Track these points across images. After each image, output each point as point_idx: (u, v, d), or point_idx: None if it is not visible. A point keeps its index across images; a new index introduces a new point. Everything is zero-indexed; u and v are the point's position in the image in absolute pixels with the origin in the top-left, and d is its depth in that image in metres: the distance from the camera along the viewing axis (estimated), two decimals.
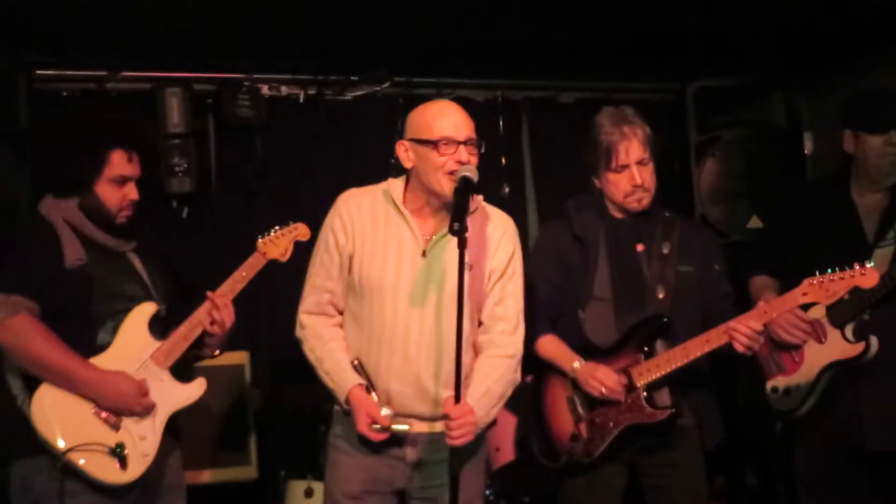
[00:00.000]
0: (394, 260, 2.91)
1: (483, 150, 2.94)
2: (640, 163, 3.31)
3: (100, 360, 3.05)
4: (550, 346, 3.37)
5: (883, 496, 3.37)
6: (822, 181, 3.83)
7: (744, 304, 3.43)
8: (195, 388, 3.20)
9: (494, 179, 4.96)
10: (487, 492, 4.11)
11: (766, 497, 4.31)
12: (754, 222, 4.65)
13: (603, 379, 3.24)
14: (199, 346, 3.27)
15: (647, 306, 3.31)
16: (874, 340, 3.26)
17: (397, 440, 2.91)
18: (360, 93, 4.95)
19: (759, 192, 4.71)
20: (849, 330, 3.31)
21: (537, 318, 3.36)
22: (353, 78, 4.91)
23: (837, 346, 3.32)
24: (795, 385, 3.41)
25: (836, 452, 3.35)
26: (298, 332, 3.04)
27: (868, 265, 3.03)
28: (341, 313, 3.02)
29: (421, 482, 2.95)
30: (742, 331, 3.09)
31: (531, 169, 5.22)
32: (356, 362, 2.93)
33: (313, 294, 3.02)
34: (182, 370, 3.21)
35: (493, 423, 3.86)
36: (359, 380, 2.90)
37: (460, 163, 2.84)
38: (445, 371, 2.86)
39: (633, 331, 3.30)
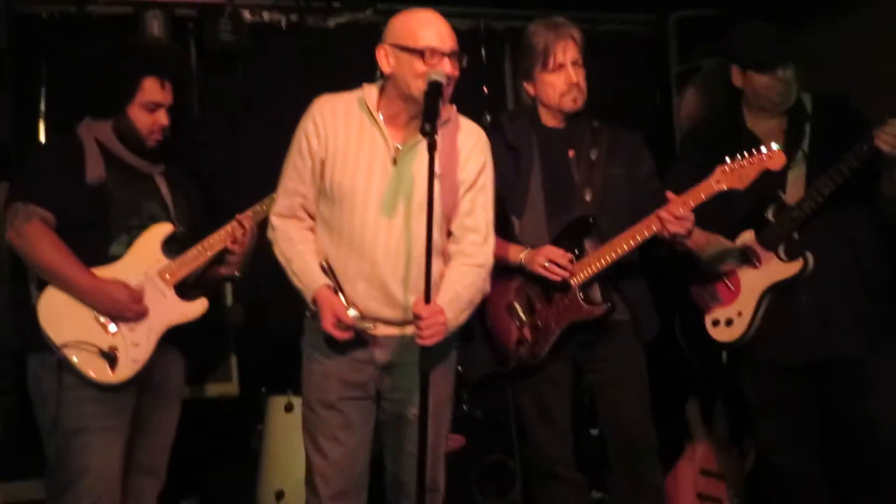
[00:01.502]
0: (365, 166, 2.92)
1: (465, 65, 2.93)
2: (574, 63, 3.41)
3: (107, 270, 3.26)
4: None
5: (823, 408, 3.43)
6: (715, 117, 3.87)
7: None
8: (195, 307, 3.38)
9: (476, 108, 4.97)
10: (465, 406, 4.21)
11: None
12: None
13: (548, 254, 3.33)
14: (218, 266, 3.47)
15: (577, 210, 3.40)
16: (810, 256, 3.32)
17: (363, 342, 2.96)
18: (342, 20, 4.94)
19: None
20: (782, 251, 3.36)
21: None
22: (335, 5, 4.89)
23: (774, 268, 3.37)
24: (737, 313, 3.45)
25: (783, 372, 3.41)
26: (269, 234, 3.07)
27: (774, 147, 3.12)
28: (313, 217, 3.04)
29: (391, 384, 3.00)
30: (666, 216, 3.17)
31: (513, 98, 5.23)
32: (324, 264, 2.96)
33: (285, 197, 3.04)
34: (188, 290, 3.39)
35: (469, 334, 3.94)
36: (326, 280, 2.93)
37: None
38: (413, 277, 2.89)
39: (562, 233, 3.39)
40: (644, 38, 5.18)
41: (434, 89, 2.80)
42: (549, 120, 3.51)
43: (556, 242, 3.38)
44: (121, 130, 3.34)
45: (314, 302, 2.93)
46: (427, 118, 2.73)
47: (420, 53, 2.84)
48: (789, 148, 3.34)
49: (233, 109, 4.82)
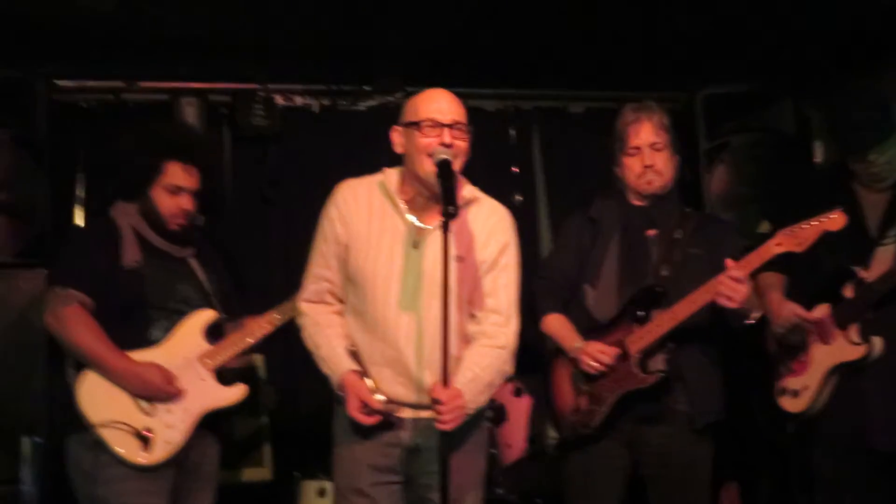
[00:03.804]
0: (386, 251, 2.94)
1: (470, 135, 2.94)
2: (652, 146, 3.46)
3: (146, 354, 3.30)
4: (556, 325, 3.52)
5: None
6: (827, 172, 3.80)
7: None
8: (233, 393, 3.42)
9: (506, 188, 5.01)
10: (499, 490, 4.15)
11: (781, 501, 4.29)
12: (764, 227, 4.65)
13: (593, 353, 3.35)
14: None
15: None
16: (877, 341, 3.21)
17: (390, 425, 2.94)
18: (373, 103, 5.01)
19: (769, 198, 4.72)
20: (853, 331, 3.26)
21: (548, 297, 3.55)
22: (366, 88, 4.97)
23: (841, 348, 3.27)
24: (803, 386, 3.36)
25: (851, 454, 3.29)
26: (299, 320, 3.09)
27: (836, 210, 3.07)
28: (342, 301, 3.05)
29: (419, 468, 2.97)
30: (721, 279, 3.15)
31: (542, 178, 5.26)
32: (351, 349, 2.97)
33: (312, 283, 3.06)
34: (228, 376, 3.43)
35: (505, 417, 3.92)
36: (353, 366, 2.93)
37: (443, 144, 2.86)
38: (437, 361, 2.84)
39: (630, 303, 3.40)
40: (673, 115, 5.16)
41: (443, 169, 2.81)
42: (634, 199, 3.55)
43: (624, 312, 3.40)
44: (145, 213, 3.41)
45: (340, 388, 2.93)
46: (447, 199, 2.73)
47: (417, 126, 2.87)
48: (885, 222, 3.27)
49: (265, 193, 4.87)
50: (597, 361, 3.35)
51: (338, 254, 3.00)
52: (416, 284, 2.91)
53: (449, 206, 2.71)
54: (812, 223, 3.08)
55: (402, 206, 2.98)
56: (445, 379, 2.73)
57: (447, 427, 2.75)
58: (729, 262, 3.18)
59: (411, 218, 2.97)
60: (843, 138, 3.32)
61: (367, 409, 2.87)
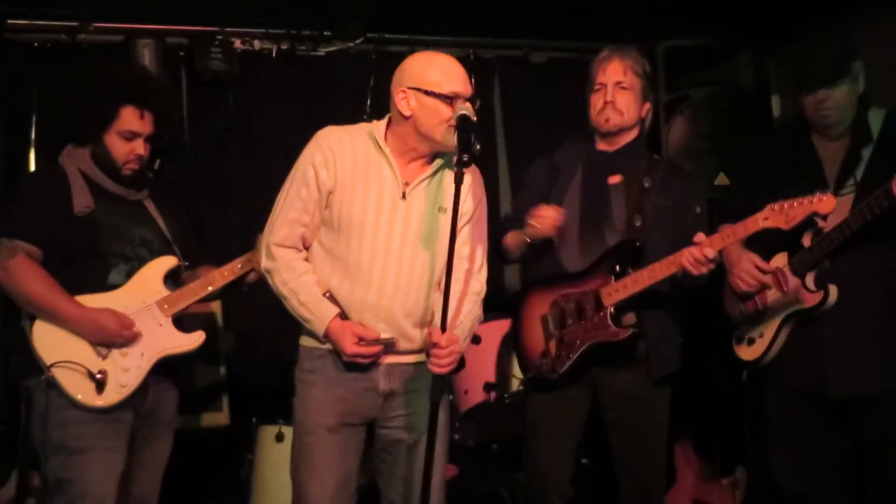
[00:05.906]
0: (374, 199, 2.96)
1: (478, 107, 2.98)
2: (617, 84, 3.45)
3: (102, 299, 3.28)
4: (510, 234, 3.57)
5: (851, 443, 3.34)
6: (786, 126, 3.83)
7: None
8: (192, 339, 3.40)
9: None
10: (456, 436, 4.20)
11: (735, 448, 4.39)
12: (721, 179, 4.73)
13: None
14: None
15: (608, 235, 3.43)
16: (833, 289, 3.25)
17: (366, 370, 2.97)
18: (332, 48, 4.98)
19: (727, 150, 4.79)
20: (809, 279, 3.31)
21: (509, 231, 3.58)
22: (326, 33, 4.92)
23: (797, 296, 3.32)
24: (759, 334, 3.43)
25: (804, 400, 3.35)
26: (267, 265, 3.03)
27: (827, 192, 3.10)
28: (307, 248, 3.05)
29: (391, 411, 3.03)
30: (695, 255, 3.17)
31: (502, 126, 5.27)
32: (328, 294, 2.97)
33: (286, 227, 3.01)
34: (188, 323, 3.42)
35: (462, 364, 3.96)
36: (337, 310, 2.95)
37: None
38: (420, 308, 2.97)
39: (607, 254, 3.41)
40: None
41: (464, 122, 2.85)
42: (601, 143, 3.55)
43: (600, 262, 3.41)
44: (98, 158, 3.36)
45: (326, 333, 2.94)
46: (464, 149, 2.78)
47: (449, 99, 2.89)
48: (843, 172, 3.30)
49: (223, 137, 4.83)
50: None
51: (318, 200, 2.99)
52: (403, 233, 2.96)
53: (464, 155, 2.76)
54: (803, 202, 3.09)
55: (391, 157, 2.99)
56: (444, 322, 2.80)
57: (443, 371, 2.83)
58: (700, 237, 3.19)
59: (400, 169, 2.99)
60: (796, 72, 3.32)
61: (365, 341, 2.91)
